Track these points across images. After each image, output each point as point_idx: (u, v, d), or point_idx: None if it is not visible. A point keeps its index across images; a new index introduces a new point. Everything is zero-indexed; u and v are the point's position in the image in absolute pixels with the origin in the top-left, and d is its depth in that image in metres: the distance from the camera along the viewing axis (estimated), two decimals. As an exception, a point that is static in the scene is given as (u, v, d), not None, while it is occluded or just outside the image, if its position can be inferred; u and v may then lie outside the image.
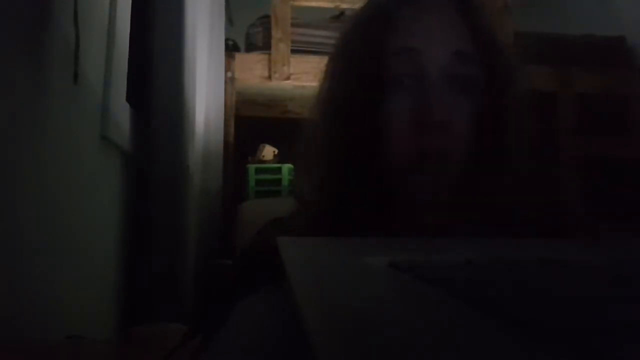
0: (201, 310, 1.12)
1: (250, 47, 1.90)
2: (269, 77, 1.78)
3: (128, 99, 1.13)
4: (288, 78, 1.78)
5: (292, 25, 1.83)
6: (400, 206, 0.54)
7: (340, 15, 2.20)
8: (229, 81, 1.75)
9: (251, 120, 1.95)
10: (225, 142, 1.65)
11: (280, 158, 1.90)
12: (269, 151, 1.88)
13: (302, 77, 1.78)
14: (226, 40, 1.75)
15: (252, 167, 1.81)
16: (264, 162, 1.86)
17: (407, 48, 0.52)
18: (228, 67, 1.74)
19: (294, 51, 1.80)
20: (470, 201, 0.53)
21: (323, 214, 0.54)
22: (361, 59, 0.53)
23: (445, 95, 0.51)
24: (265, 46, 1.84)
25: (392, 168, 0.52)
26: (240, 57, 1.82)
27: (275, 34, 1.80)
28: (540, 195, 0.59)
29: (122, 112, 1.07)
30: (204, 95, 1.46)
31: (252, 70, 1.80)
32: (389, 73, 0.52)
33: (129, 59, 1.12)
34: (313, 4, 1.94)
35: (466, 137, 0.52)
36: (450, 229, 0.53)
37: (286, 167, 1.81)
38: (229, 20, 1.82)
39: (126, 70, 1.11)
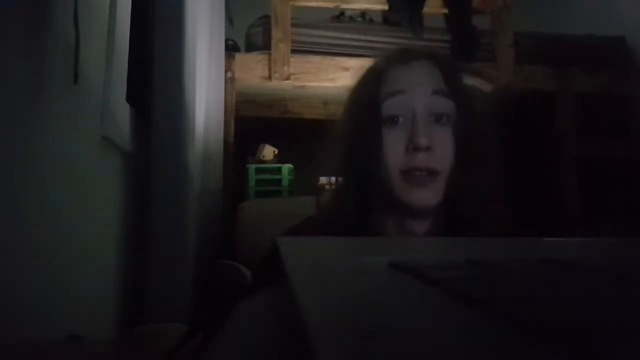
0: (201, 310, 1.12)
1: (250, 47, 1.90)
2: (269, 77, 1.78)
3: (128, 99, 1.13)
4: (288, 78, 1.78)
5: (292, 25, 1.83)
6: (397, 215, 0.71)
7: (340, 15, 2.20)
8: (229, 81, 1.75)
9: (251, 120, 1.95)
10: (225, 142, 1.65)
11: (280, 158, 1.90)
12: (269, 151, 1.88)
13: (302, 77, 1.78)
14: (226, 40, 1.75)
15: (252, 167, 1.81)
16: (264, 162, 1.86)
17: (396, 91, 0.70)
18: (228, 67, 1.74)
19: (294, 51, 1.80)
20: (454, 212, 0.69)
21: (340, 218, 0.71)
22: (365, 104, 0.71)
23: (428, 126, 0.68)
24: (265, 46, 1.84)
25: (393, 184, 0.68)
26: (240, 57, 1.82)
27: (275, 34, 1.80)
28: (515, 203, 0.73)
29: (122, 112, 1.07)
30: (204, 95, 1.46)
31: (252, 70, 1.80)
32: (386, 113, 0.70)
33: (129, 59, 1.12)
34: (313, 4, 1.94)
35: (447, 158, 0.69)
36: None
37: (286, 167, 1.81)
38: (229, 20, 1.82)
39: (126, 70, 1.11)
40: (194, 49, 1.28)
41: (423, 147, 0.67)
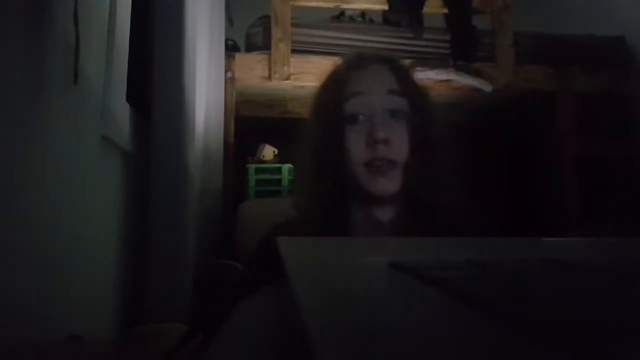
0: (201, 310, 1.12)
1: (250, 47, 1.90)
2: (269, 77, 1.78)
3: (128, 99, 1.13)
4: (288, 78, 1.78)
5: (292, 25, 1.83)
6: (364, 205, 0.80)
7: (340, 15, 2.20)
8: (229, 81, 1.74)
9: (251, 120, 1.95)
10: (225, 142, 1.65)
11: (280, 158, 1.90)
12: (269, 151, 1.88)
13: (302, 77, 1.78)
14: (226, 40, 1.75)
15: (252, 167, 1.81)
16: (264, 162, 1.86)
17: (356, 92, 0.79)
18: (228, 67, 1.73)
19: (294, 51, 1.80)
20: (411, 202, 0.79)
21: (313, 214, 0.80)
22: (329, 105, 0.81)
23: (385, 121, 0.77)
24: (265, 46, 1.84)
25: (358, 175, 0.77)
26: (240, 57, 1.82)
27: (275, 34, 1.80)
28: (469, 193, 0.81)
29: (122, 112, 1.07)
30: (204, 95, 1.46)
31: (252, 70, 1.79)
32: (348, 112, 0.79)
33: (129, 59, 1.12)
34: (313, 4, 1.94)
35: (404, 149, 0.78)
36: (402, 225, 0.78)
37: (286, 167, 1.81)
38: (229, 20, 1.82)
39: (126, 70, 1.11)
40: (194, 49, 1.28)
41: (381, 139, 0.75)
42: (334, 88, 0.82)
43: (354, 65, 0.83)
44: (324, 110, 0.83)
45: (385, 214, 0.80)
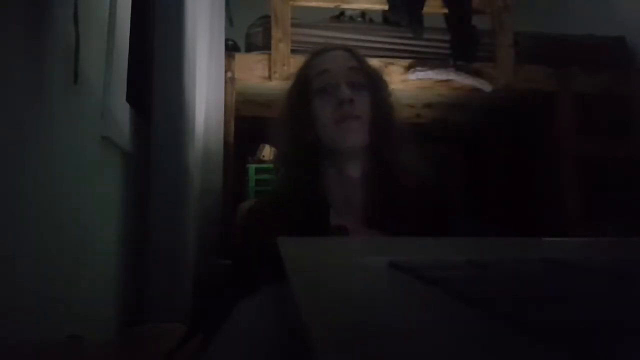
0: (201, 310, 1.12)
1: (250, 47, 1.90)
2: (269, 77, 1.78)
3: (128, 99, 1.13)
4: (288, 78, 1.78)
5: (292, 25, 1.83)
6: (336, 162, 0.95)
7: (340, 15, 2.20)
8: (229, 81, 1.74)
9: (251, 120, 1.95)
10: (225, 142, 1.65)
11: (280, 158, 1.89)
12: (269, 151, 1.87)
13: (302, 77, 1.78)
14: (226, 40, 1.75)
15: (252, 167, 1.81)
16: (264, 162, 1.86)
17: (323, 70, 0.97)
18: (228, 67, 1.73)
19: (294, 51, 1.80)
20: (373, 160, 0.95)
21: (290, 173, 0.99)
22: (302, 82, 0.99)
23: (349, 88, 0.93)
24: (265, 46, 1.84)
25: (331, 132, 0.93)
26: (240, 57, 1.82)
27: (275, 34, 1.80)
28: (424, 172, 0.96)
29: (122, 112, 1.07)
30: (204, 95, 1.46)
31: (252, 70, 1.79)
32: (317, 86, 0.96)
33: (129, 59, 1.12)
34: (313, 4, 1.94)
35: (366, 107, 0.94)
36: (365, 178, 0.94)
37: (286, 167, 1.80)
38: (229, 20, 1.82)
39: (126, 70, 1.11)
40: (194, 49, 1.28)
41: (347, 99, 0.92)
42: (305, 72, 1.00)
43: (319, 52, 1.02)
44: (296, 89, 1.00)
45: (355, 170, 0.95)
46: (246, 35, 1.93)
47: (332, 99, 0.93)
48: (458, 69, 1.84)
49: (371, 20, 2.19)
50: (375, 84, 0.99)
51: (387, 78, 1.06)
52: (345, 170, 0.95)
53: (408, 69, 1.83)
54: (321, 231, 0.84)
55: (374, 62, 1.72)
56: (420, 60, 1.86)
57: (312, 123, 0.95)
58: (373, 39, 1.89)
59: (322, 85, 0.95)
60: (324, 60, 0.99)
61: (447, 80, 1.84)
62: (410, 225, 0.84)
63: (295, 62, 1.78)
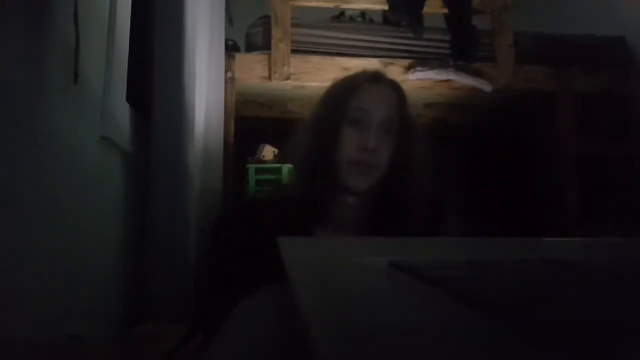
0: (201, 310, 1.12)
1: (250, 47, 1.90)
2: (269, 77, 1.78)
3: (128, 99, 1.13)
4: (288, 78, 1.78)
5: (292, 25, 1.83)
6: (338, 191, 0.95)
7: (340, 15, 2.20)
8: (229, 81, 1.74)
9: (251, 120, 1.95)
10: (225, 142, 1.65)
11: (280, 158, 1.89)
12: (269, 151, 1.87)
13: (302, 77, 1.78)
14: (226, 40, 1.75)
15: (252, 167, 1.81)
16: (264, 162, 1.85)
17: (361, 107, 0.95)
18: (228, 67, 1.73)
19: (294, 51, 1.80)
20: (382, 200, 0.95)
21: (298, 192, 0.95)
22: (335, 108, 0.96)
23: (378, 135, 0.93)
24: (265, 46, 1.83)
25: (340, 170, 0.93)
26: (240, 57, 1.82)
27: (275, 34, 1.80)
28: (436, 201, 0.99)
29: (122, 112, 1.07)
30: (204, 95, 1.46)
31: (252, 70, 1.79)
32: (352, 116, 0.94)
33: (129, 59, 1.12)
34: (313, 4, 1.94)
35: (385, 157, 0.95)
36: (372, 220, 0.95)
37: (286, 167, 1.80)
38: (229, 20, 1.82)
39: (126, 70, 1.11)
40: (194, 49, 1.28)
41: (370, 148, 0.92)
42: (344, 97, 0.96)
43: (366, 81, 0.99)
44: (331, 106, 0.97)
45: (355, 199, 0.96)
46: (246, 35, 1.93)
47: (358, 137, 0.93)
48: (458, 69, 1.84)
49: (371, 20, 2.19)
50: (405, 133, 0.97)
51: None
52: (345, 198, 0.96)
53: (408, 69, 1.83)
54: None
55: (374, 63, 1.74)
56: (420, 60, 1.85)
57: (336, 147, 0.94)
58: (373, 39, 1.89)
59: (356, 119, 0.94)
60: (367, 97, 0.96)
61: (447, 80, 1.84)
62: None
63: (296, 62, 1.79)
